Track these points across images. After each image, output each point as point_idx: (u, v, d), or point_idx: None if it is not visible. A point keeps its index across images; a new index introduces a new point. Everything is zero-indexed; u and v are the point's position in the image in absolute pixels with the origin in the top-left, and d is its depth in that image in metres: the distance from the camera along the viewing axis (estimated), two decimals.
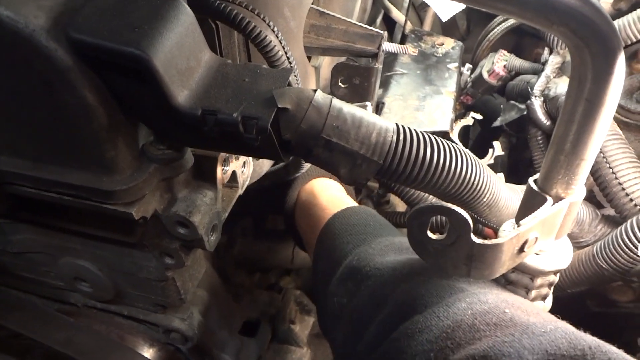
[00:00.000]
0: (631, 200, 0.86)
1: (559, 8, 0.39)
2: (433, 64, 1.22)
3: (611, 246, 0.82)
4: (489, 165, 0.98)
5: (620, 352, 0.41)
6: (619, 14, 1.04)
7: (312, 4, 0.85)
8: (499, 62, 1.33)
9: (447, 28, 1.69)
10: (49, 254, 0.76)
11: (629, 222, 0.81)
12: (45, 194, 0.60)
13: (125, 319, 0.84)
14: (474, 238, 0.50)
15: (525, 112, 1.18)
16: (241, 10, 0.63)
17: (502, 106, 1.33)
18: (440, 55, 1.25)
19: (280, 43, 0.62)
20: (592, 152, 0.50)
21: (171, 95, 0.49)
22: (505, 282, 0.65)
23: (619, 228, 0.83)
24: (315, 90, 0.53)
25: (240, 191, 0.73)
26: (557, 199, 0.54)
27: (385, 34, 0.90)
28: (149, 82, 0.48)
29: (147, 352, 0.84)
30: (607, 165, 0.89)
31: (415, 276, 0.60)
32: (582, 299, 1.08)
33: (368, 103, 0.59)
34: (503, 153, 1.02)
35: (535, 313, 0.51)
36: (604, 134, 0.50)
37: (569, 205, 0.55)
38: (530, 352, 0.41)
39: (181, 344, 0.83)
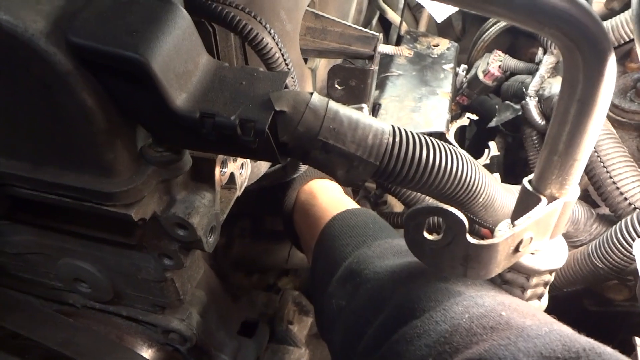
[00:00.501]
0: (625, 199, 0.87)
1: (549, 10, 0.40)
2: (429, 64, 1.22)
3: (606, 245, 0.83)
4: (485, 166, 0.99)
5: (615, 353, 0.42)
6: (611, 13, 1.04)
7: (308, 6, 0.86)
8: (494, 63, 1.34)
9: (443, 29, 1.70)
10: (48, 255, 0.76)
11: (623, 220, 0.82)
12: (45, 196, 0.60)
13: (124, 319, 0.85)
14: (469, 238, 0.51)
15: (520, 112, 1.19)
16: (238, 12, 0.63)
17: (497, 106, 1.34)
18: (436, 56, 1.25)
19: (277, 45, 0.62)
20: (585, 152, 0.51)
21: (169, 99, 0.50)
22: (501, 282, 0.65)
23: (614, 227, 0.83)
24: (311, 93, 0.53)
25: (239, 193, 0.73)
26: (552, 199, 0.54)
27: (381, 36, 0.91)
28: (147, 86, 0.49)
29: (146, 352, 0.84)
30: (602, 164, 0.90)
31: (414, 279, 0.61)
32: (578, 298, 1.08)
33: (364, 105, 0.60)
34: (499, 153, 1.03)
35: (531, 315, 0.51)
36: (596, 134, 0.50)
37: (563, 205, 0.55)
38: (526, 354, 0.42)
39: (180, 344, 0.83)
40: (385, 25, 1.55)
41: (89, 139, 0.54)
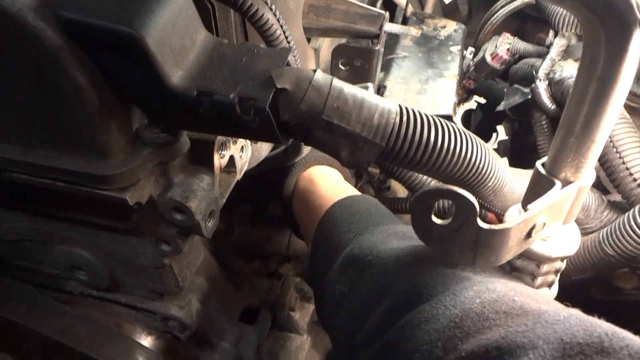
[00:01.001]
0: (639, 185, 0.85)
1: None
2: (435, 46, 1.19)
3: (618, 232, 0.81)
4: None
5: (637, 338, 0.39)
6: None
7: None
8: (503, 46, 1.31)
9: (448, 12, 1.66)
10: (44, 242, 0.75)
11: (637, 207, 0.79)
12: (38, 180, 0.58)
13: (122, 307, 0.83)
14: (480, 223, 0.48)
15: (529, 96, 1.15)
16: None
17: (505, 90, 1.31)
18: (443, 38, 1.22)
19: (279, 22, 0.59)
20: (603, 134, 0.48)
21: (165, 76, 0.48)
22: (511, 269, 0.63)
23: (627, 214, 0.81)
24: (314, 70, 0.51)
25: (239, 176, 0.71)
26: (566, 182, 0.52)
27: (387, 14, 0.88)
28: (142, 62, 0.46)
29: (145, 340, 0.83)
30: (615, 149, 0.87)
31: (420, 264, 0.59)
32: (586, 286, 1.06)
33: (370, 84, 0.57)
34: (507, 138, 1.00)
35: (545, 301, 0.49)
36: (616, 115, 0.48)
37: (578, 189, 0.53)
38: (545, 341, 0.39)
39: (179, 332, 0.82)
40: (390, 7, 1.51)
41: (82, 120, 0.52)
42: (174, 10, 0.48)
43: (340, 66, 0.91)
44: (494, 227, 0.49)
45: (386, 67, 1.15)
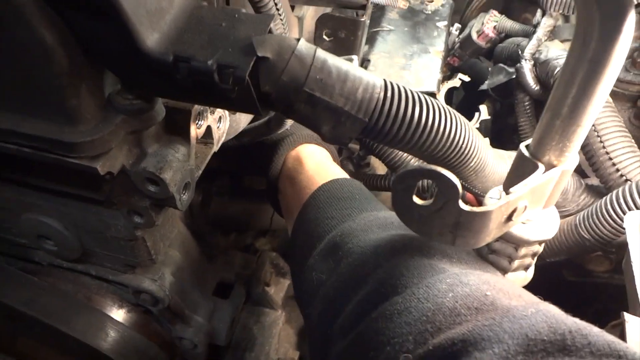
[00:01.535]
0: (617, 170, 0.85)
1: None
2: (422, 21, 1.17)
3: (595, 217, 0.81)
4: None
5: (602, 333, 0.40)
6: None
7: None
8: (489, 23, 1.29)
9: None
10: (9, 209, 0.71)
11: (614, 192, 0.80)
12: (1, 145, 0.55)
13: (93, 279, 0.81)
14: (462, 205, 0.47)
15: (513, 76, 1.14)
16: None
17: (489, 69, 1.29)
18: (430, 12, 1.20)
19: None
20: (589, 118, 0.47)
21: (139, 38, 0.45)
22: (489, 251, 0.63)
23: (604, 199, 0.81)
24: (298, 39, 0.48)
25: (216, 148, 0.69)
26: (549, 166, 0.51)
27: None
28: (114, 22, 0.44)
29: (116, 313, 0.81)
30: (596, 133, 0.87)
31: (397, 254, 0.58)
32: (558, 268, 1.08)
33: (354, 57, 0.55)
34: (489, 117, 0.99)
35: (517, 295, 0.49)
36: (604, 99, 0.47)
37: (561, 173, 0.52)
38: (510, 336, 0.40)
39: (152, 305, 0.80)
40: None
41: (50, 82, 0.49)
42: None
43: (324, 37, 0.88)
44: (475, 209, 0.48)
45: (371, 40, 1.12)
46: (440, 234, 0.51)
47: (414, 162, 0.97)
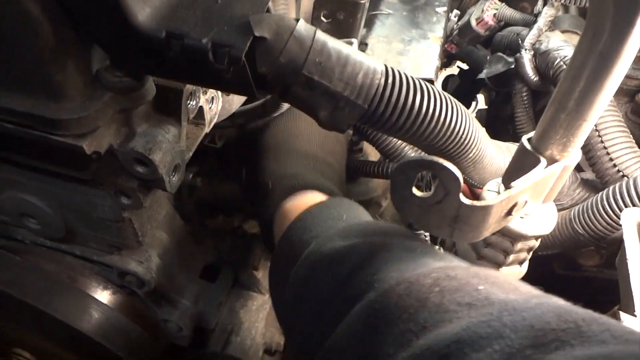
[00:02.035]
0: (615, 165, 0.84)
1: None
2: (421, 5, 1.14)
3: (590, 212, 0.80)
4: None
5: (616, 321, 0.35)
6: None
7: None
8: (489, 11, 1.27)
9: None
10: None
11: (611, 188, 0.79)
12: None
13: (77, 259, 0.79)
14: (462, 198, 0.46)
15: (512, 66, 1.13)
16: None
17: (488, 58, 1.27)
18: None
19: None
20: (596, 113, 0.46)
21: (130, 12, 0.43)
22: (484, 244, 0.62)
23: (601, 194, 0.80)
24: (297, 20, 0.46)
25: (207, 129, 0.67)
26: (552, 161, 0.50)
27: None
28: None
29: (100, 294, 0.79)
30: (594, 128, 0.85)
31: (376, 253, 0.53)
32: (548, 261, 1.07)
33: (354, 40, 0.53)
34: (486, 107, 0.98)
35: (513, 289, 0.44)
36: (611, 94, 0.45)
37: (563, 168, 0.51)
38: (513, 330, 0.35)
39: (137, 287, 0.78)
40: None
41: (35, 56, 0.47)
42: None
43: (322, 18, 0.85)
44: (476, 203, 0.46)
45: (369, 24, 1.09)
46: (439, 226, 0.50)
47: (410, 150, 0.95)
